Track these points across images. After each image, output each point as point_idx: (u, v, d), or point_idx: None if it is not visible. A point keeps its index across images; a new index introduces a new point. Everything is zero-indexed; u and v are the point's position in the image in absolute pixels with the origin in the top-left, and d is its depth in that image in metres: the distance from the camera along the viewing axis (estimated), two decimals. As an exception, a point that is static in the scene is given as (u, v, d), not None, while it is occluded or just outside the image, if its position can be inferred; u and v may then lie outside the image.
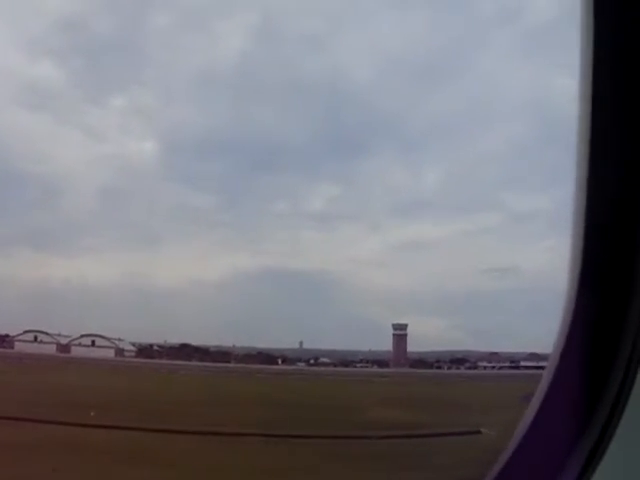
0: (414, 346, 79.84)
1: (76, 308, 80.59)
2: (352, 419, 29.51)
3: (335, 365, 77.46)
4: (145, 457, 18.75)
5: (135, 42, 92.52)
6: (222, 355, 74.08)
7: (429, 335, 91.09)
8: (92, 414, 25.52)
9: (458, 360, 79.06)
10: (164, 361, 67.17)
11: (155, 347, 77.29)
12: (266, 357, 76.93)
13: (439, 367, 76.66)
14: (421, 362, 76.30)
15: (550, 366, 2.49)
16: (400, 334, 75.22)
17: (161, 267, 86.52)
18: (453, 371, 73.87)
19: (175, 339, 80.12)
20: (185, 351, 74.16)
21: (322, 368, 73.62)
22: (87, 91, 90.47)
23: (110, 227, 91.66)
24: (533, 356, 79.51)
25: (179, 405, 30.81)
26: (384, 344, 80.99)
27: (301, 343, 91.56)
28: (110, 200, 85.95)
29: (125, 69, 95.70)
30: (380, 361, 79.74)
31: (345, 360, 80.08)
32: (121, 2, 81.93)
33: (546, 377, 2.47)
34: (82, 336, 71.30)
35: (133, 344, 75.80)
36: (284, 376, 57.94)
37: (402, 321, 77.12)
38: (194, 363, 65.91)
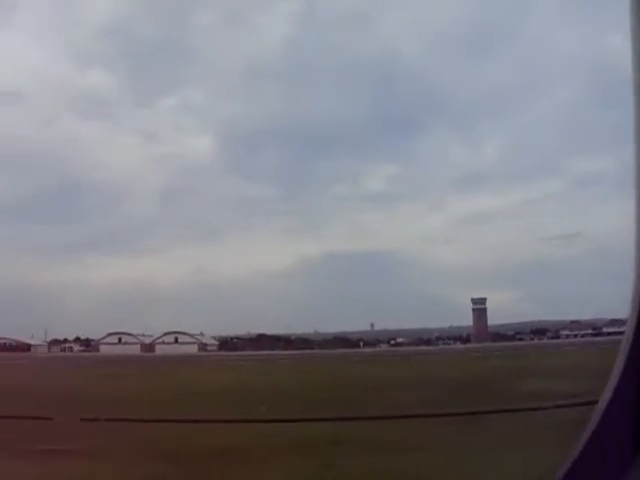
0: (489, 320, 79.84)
1: (149, 307, 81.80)
2: (511, 391, 29.75)
3: (417, 344, 77.91)
4: (383, 444, 18.97)
5: (180, 42, 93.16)
6: (304, 342, 74.81)
7: (501, 308, 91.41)
8: (263, 409, 25.94)
9: (538, 331, 78.72)
10: (267, 352, 68.08)
11: (234, 339, 78.52)
12: (344, 341, 77.47)
13: (520, 339, 76.49)
14: (500, 335, 76.35)
15: (613, 377, 2.38)
16: (480, 308, 74.99)
17: (226, 260, 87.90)
18: (552, 341, 73.64)
19: (245, 330, 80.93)
20: (263, 341, 75.00)
21: (424, 347, 74.03)
22: (138, 94, 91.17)
23: (173, 225, 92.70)
24: (615, 322, 78.67)
25: (342, 392, 31.30)
26: (460, 320, 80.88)
27: (372, 325, 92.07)
28: (171, 198, 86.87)
29: (173, 69, 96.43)
30: (460, 337, 79.84)
31: (421, 338, 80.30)
32: (162, 4, 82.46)
33: (609, 387, 2.37)
34: (165, 334, 72.67)
35: (214, 338, 76.96)
36: (400, 357, 58.40)
37: (477, 295, 77.11)
38: (296, 352, 66.83)
